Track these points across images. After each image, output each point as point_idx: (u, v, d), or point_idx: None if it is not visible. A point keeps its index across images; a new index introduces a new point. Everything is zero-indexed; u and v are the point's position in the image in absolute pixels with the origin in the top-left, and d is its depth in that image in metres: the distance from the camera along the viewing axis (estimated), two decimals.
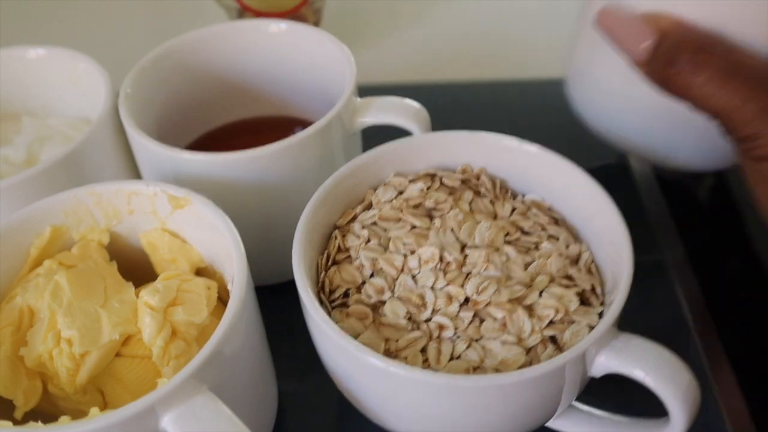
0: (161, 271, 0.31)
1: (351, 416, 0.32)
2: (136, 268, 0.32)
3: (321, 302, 0.28)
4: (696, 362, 0.34)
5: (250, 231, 0.34)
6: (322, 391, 0.33)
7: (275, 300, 0.32)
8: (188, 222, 0.30)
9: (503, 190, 0.32)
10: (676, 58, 0.29)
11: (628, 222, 0.28)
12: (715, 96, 0.28)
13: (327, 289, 0.28)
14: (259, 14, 0.49)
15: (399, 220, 0.29)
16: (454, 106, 0.48)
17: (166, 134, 0.38)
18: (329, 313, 0.27)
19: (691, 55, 0.28)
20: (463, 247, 0.28)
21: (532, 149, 0.31)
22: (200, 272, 0.32)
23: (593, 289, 0.28)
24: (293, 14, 0.49)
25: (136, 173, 0.37)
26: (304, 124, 0.41)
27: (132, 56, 0.37)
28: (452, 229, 0.29)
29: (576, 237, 0.31)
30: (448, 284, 0.27)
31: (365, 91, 0.50)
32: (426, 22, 0.58)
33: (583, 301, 0.28)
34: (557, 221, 0.31)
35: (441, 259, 0.28)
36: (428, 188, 0.31)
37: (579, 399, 0.28)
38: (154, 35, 0.38)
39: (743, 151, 0.29)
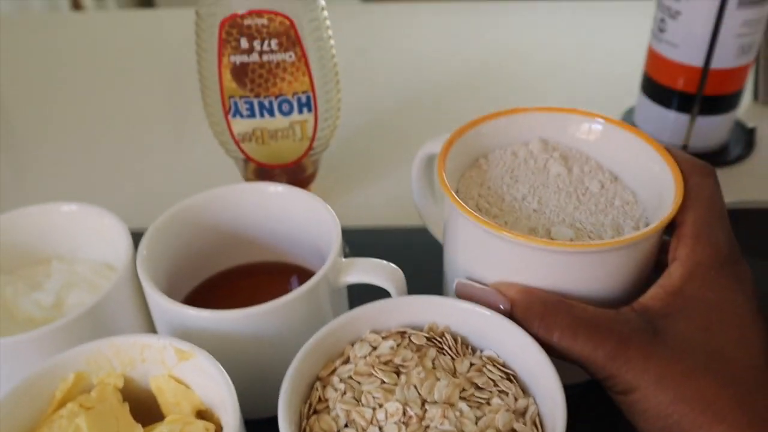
0: (167, 412, 0.36)
1: None
2: (146, 408, 0.37)
3: None
4: None
5: (247, 375, 0.39)
6: None
7: (268, 428, 0.36)
8: (192, 370, 0.36)
9: (464, 346, 0.37)
10: (530, 324, 0.35)
11: None
12: (571, 349, 0.34)
13: None
14: (263, 166, 0.56)
15: (371, 375, 0.35)
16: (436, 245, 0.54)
17: (176, 279, 0.43)
18: None
19: (539, 320, 0.35)
20: (423, 402, 0.33)
21: (485, 312, 0.36)
22: (201, 414, 0.37)
23: None
24: (295, 165, 0.56)
25: (149, 318, 0.42)
26: (297, 269, 0.47)
27: (153, 208, 0.43)
28: (415, 386, 0.34)
29: (525, 391, 0.36)
30: None
31: (354, 232, 0.56)
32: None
33: None
34: (509, 376, 0.36)
35: (404, 413, 0.32)
36: (398, 345, 0.36)
37: None
38: (175, 186, 0.45)
39: (607, 388, 0.35)
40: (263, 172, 0.57)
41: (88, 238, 0.45)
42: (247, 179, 0.59)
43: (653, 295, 0.36)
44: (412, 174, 0.47)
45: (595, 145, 0.45)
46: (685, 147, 0.65)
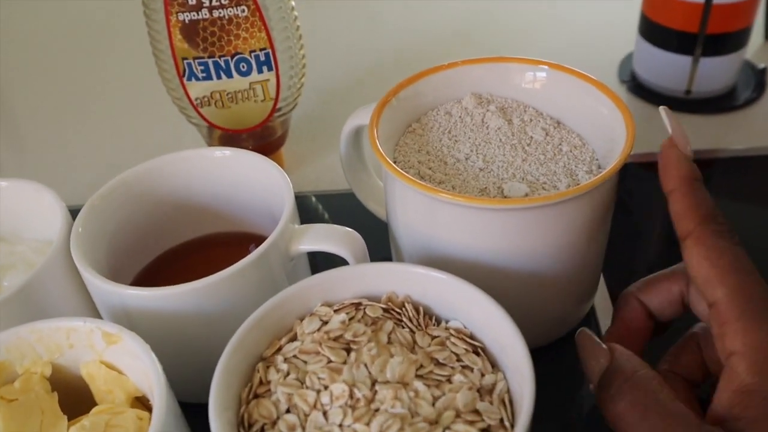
0: (100, 400, 0.33)
1: None
2: (79, 396, 0.33)
3: None
4: None
5: (194, 356, 0.36)
6: None
7: None
8: (123, 354, 0.32)
9: (426, 317, 0.33)
10: (610, 383, 0.30)
11: None
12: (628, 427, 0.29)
13: (246, 423, 0.30)
14: (226, 131, 0.52)
15: (317, 353, 0.31)
16: None
17: (120, 260, 0.40)
18: None
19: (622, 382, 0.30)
20: (374, 383, 0.29)
21: (442, 277, 0.32)
22: (139, 400, 0.33)
23: (501, 422, 0.29)
24: (262, 126, 0.52)
25: (92, 301, 0.39)
26: (254, 238, 0.43)
27: (93, 179, 0.40)
28: (365, 364, 0.30)
29: (494, 365, 0.32)
30: (355, 421, 0.28)
31: (326, 196, 0.53)
32: None
33: None
34: (476, 349, 0.32)
35: (351, 395, 0.29)
36: (351, 318, 0.32)
37: None
38: (138, 160, 0.41)
39: None
40: (229, 139, 0.54)
41: (28, 216, 0.42)
42: None
43: (723, 401, 0.29)
44: (340, 149, 0.45)
45: (534, 93, 0.42)
46: (688, 92, 0.60)
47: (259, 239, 0.42)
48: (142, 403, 0.33)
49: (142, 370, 0.32)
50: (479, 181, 0.37)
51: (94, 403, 0.33)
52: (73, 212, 0.39)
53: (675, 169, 0.33)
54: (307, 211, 0.53)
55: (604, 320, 0.43)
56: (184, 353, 0.36)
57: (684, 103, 0.61)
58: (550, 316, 0.40)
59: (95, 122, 0.67)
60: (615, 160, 0.34)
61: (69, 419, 0.31)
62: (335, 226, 0.37)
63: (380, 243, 0.43)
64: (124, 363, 0.33)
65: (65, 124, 0.67)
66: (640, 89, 0.63)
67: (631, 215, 0.51)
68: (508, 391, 0.30)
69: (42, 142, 0.65)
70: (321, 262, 0.41)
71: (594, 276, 0.40)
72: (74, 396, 0.33)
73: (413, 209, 0.36)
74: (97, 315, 0.39)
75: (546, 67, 0.41)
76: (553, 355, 0.40)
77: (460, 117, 0.41)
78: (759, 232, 0.49)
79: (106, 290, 0.35)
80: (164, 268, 0.42)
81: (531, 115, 0.41)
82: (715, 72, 0.59)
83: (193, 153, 0.41)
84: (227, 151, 0.41)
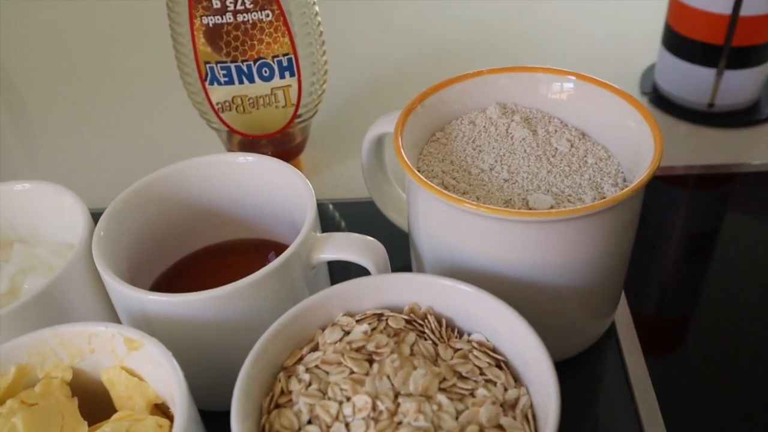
0: (120, 407, 0.33)
1: None
2: (99, 402, 0.33)
3: None
4: None
5: (213, 364, 0.36)
6: None
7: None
8: (144, 361, 0.32)
9: (449, 330, 0.33)
10: None
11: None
12: None
13: None
14: (246, 137, 0.52)
15: (340, 364, 0.31)
16: None
17: (140, 265, 0.40)
18: None
19: None
20: (396, 395, 0.29)
21: (467, 290, 0.32)
22: (159, 407, 0.33)
23: None
24: (281, 132, 0.52)
25: (113, 306, 0.39)
26: (274, 245, 0.43)
27: (119, 181, 0.40)
28: (388, 376, 0.30)
29: (517, 379, 0.31)
30: None
31: (344, 204, 0.52)
32: None
33: None
34: (499, 363, 0.31)
35: (374, 407, 0.28)
36: (373, 329, 0.32)
37: None
38: (155, 164, 0.41)
39: None
40: (248, 144, 0.53)
41: (47, 218, 0.42)
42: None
43: None
44: (362, 157, 0.44)
45: (559, 104, 0.42)
46: (711, 105, 0.60)
47: (279, 247, 0.42)
48: (161, 410, 0.33)
49: (163, 377, 0.32)
50: (504, 192, 0.36)
51: (113, 409, 0.33)
52: (93, 216, 0.39)
53: None
54: (325, 219, 0.53)
55: (625, 335, 0.42)
56: (204, 360, 0.36)
57: (706, 117, 0.60)
58: (571, 330, 0.39)
59: (114, 126, 0.67)
60: (643, 174, 0.34)
61: (89, 425, 0.31)
62: (357, 235, 0.37)
63: (400, 253, 0.43)
64: (145, 369, 0.33)
65: (84, 127, 0.67)
66: (662, 101, 0.62)
67: (649, 228, 0.50)
68: (532, 406, 0.30)
69: (60, 146, 0.65)
70: (339, 271, 0.41)
71: (616, 290, 0.40)
72: (94, 401, 0.33)
73: (436, 219, 0.36)
74: (116, 319, 0.39)
75: (573, 77, 0.40)
76: (572, 370, 0.39)
77: (484, 127, 0.41)
78: None
79: (128, 295, 0.35)
80: (183, 274, 0.42)
81: (556, 126, 0.41)
82: (739, 85, 0.58)
83: (216, 158, 0.41)
84: (250, 157, 0.41)
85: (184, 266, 0.42)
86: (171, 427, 0.31)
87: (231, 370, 0.34)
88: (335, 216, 0.54)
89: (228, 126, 0.51)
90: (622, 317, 0.44)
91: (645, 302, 0.46)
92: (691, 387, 0.40)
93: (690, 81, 0.59)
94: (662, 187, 0.54)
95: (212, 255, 0.43)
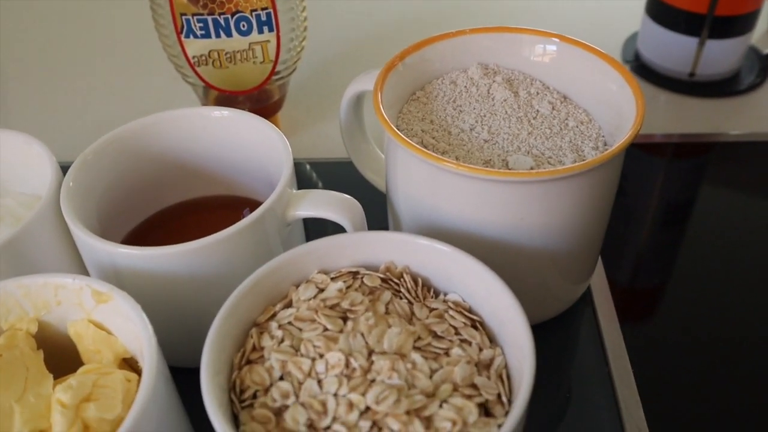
0: (87, 360, 0.32)
1: None
2: (65, 356, 0.33)
3: (232, 401, 0.29)
4: None
5: (184, 318, 0.35)
6: None
7: None
8: (113, 313, 0.31)
9: (425, 289, 0.33)
10: None
11: None
12: None
13: (238, 389, 0.29)
14: (223, 92, 0.51)
15: (313, 321, 0.30)
16: None
17: (111, 218, 0.39)
18: (238, 413, 0.28)
19: None
20: (370, 353, 0.29)
21: (444, 249, 0.32)
22: (126, 362, 0.32)
23: (499, 397, 0.28)
24: (259, 89, 0.51)
25: (80, 257, 0.38)
26: (249, 202, 0.42)
27: (88, 135, 0.39)
28: (362, 334, 0.29)
29: (492, 339, 0.31)
30: (350, 391, 0.27)
31: (321, 164, 0.51)
32: None
33: (487, 410, 0.28)
34: (474, 323, 0.31)
35: (347, 364, 0.28)
36: (348, 287, 0.32)
37: None
38: (124, 115, 0.40)
39: None
40: (225, 100, 0.52)
41: (14, 168, 0.40)
42: None
43: None
44: (340, 115, 0.44)
45: (541, 66, 0.41)
46: (692, 75, 0.59)
47: (253, 204, 0.42)
48: (129, 365, 0.33)
49: (132, 331, 0.31)
50: (484, 152, 0.36)
51: (80, 363, 0.32)
52: (62, 169, 0.37)
53: None
54: (302, 178, 0.52)
55: (600, 300, 0.42)
56: (174, 317, 0.35)
57: (687, 86, 0.60)
58: (548, 293, 0.39)
59: (87, 78, 0.65)
60: (624, 137, 0.33)
61: (54, 378, 0.30)
62: (334, 192, 0.36)
63: (377, 215, 0.42)
64: (113, 323, 0.32)
65: (56, 78, 0.65)
66: (643, 70, 0.62)
67: (627, 197, 0.50)
68: (506, 366, 0.30)
69: (31, 97, 0.63)
70: (315, 232, 0.40)
71: (593, 254, 0.40)
72: (60, 355, 0.32)
73: (415, 179, 0.35)
74: (85, 274, 0.38)
75: (557, 39, 0.40)
76: (547, 333, 0.39)
77: (465, 87, 0.40)
78: (756, 219, 0.49)
79: (97, 248, 0.34)
80: (155, 229, 0.41)
81: (538, 88, 0.40)
82: (721, 55, 0.58)
83: (191, 111, 0.40)
84: (225, 111, 0.39)
85: (156, 222, 0.41)
86: (139, 381, 0.31)
87: (202, 326, 0.34)
88: (312, 176, 0.53)
89: (204, 80, 0.50)
90: (598, 283, 0.44)
91: (621, 269, 0.46)
92: (664, 351, 0.40)
93: (672, 50, 0.59)
94: (641, 155, 0.54)
95: (185, 211, 0.42)
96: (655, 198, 0.52)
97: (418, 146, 0.33)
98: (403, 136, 0.34)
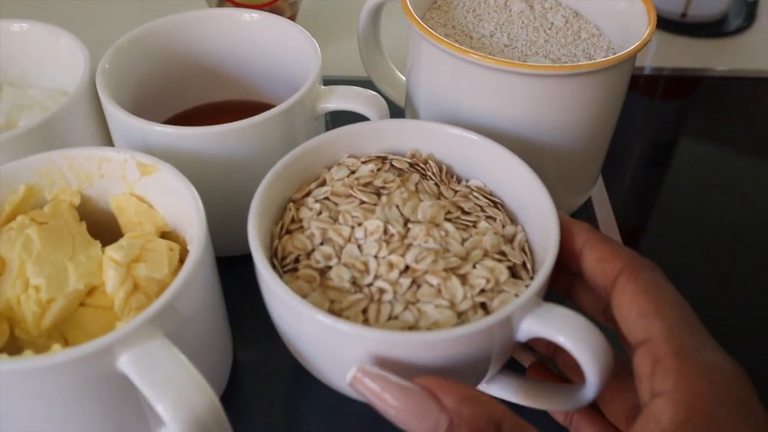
0: (128, 232, 0.33)
1: (302, 381, 0.34)
2: (105, 229, 0.34)
3: (274, 267, 0.30)
4: None
5: (214, 202, 0.36)
6: (277, 360, 0.35)
7: (236, 271, 0.34)
8: (155, 188, 0.33)
9: (449, 175, 0.35)
10: None
11: None
12: None
13: (279, 255, 0.31)
14: (237, 5, 0.52)
15: (349, 196, 0.32)
16: None
17: (139, 111, 0.40)
18: (281, 277, 0.30)
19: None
20: (406, 222, 0.31)
21: (473, 137, 0.34)
22: (164, 236, 0.34)
23: (524, 265, 0.31)
24: (270, 6, 0.52)
25: (109, 144, 0.39)
26: (273, 108, 0.43)
27: (113, 36, 0.39)
28: (397, 206, 0.31)
29: (513, 220, 0.33)
30: (390, 254, 0.29)
31: (333, 82, 0.53)
32: None
33: (514, 274, 0.30)
34: (496, 204, 0.33)
35: (385, 231, 0.30)
36: (378, 169, 0.34)
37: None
38: (136, 18, 0.40)
39: None
40: None
41: (43, 61, 0.41)
42: None
43: None
44: (359, 26, 0.45)
45: None
46: (684, 15, 0.62)
47: None
48: (167, 239, 0.34)
49: (174, 204, 0.32)
50: (504, 55, 0.38)
51: (120, 236, 0.34)
52: None
53: (577, 224, 0.30)
54: None
55: (601, 209, 0.45)
56: (206, 200, 0.36)
57: (679, 26, 0.62)
58: (555, 197, 0.41)
59: None
60: (638, 41, 0.35)
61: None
62: (360, 88, 0.38)
63: None
64: (154, 198, 0.33)
65: None
66: None
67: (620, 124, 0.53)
68: (528, 241, 0.32)
69: None
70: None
71: (598, 159, 0.42)
72: (100, 228, 0.34)
73: (439, 73, 0.37)
74: None
75: None
76: None
77: None
78: (736, 148, 0.52)
79: (132, 126, 0.35)
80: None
81: (551, 3, 0.42)
82: None
83: (221, 12, 0.41)
84: (255, 14, 0.41)
85: (182, 119, 0.43)
86: (181, 252, 0.32)
87: (231, 211, 0.35)
88: None
89: None
90: (599, 195, 0.46)
91: (620, 185, 0.48)
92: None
93: None
94: (633, 87, 0.57)
95: (208, 113, 0.43)
96: (649, 127, 0.54)
97: (444, 39, 0.35)
98: (429, 29, 0.36)
